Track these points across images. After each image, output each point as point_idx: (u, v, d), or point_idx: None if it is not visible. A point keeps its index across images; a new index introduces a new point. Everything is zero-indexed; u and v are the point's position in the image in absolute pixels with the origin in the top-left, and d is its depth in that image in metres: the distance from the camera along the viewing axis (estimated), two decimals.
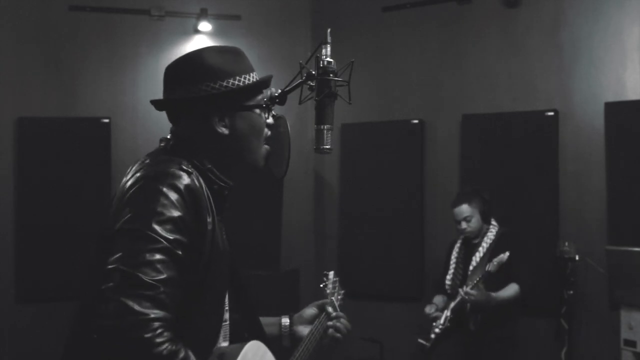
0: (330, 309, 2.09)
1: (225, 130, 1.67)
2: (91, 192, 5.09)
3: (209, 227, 1.58)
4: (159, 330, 1.37)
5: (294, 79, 1.83)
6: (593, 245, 4.50)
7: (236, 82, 1.67)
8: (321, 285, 2.25)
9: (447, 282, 4.28)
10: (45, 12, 5.29)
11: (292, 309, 2.12)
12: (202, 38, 5.45)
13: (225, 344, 1.78)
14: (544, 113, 4.81)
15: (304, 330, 2.03)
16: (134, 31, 5.41)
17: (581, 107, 4.76)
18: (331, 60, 1.78)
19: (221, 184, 1.69)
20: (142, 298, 1.38)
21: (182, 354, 1.41)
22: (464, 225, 4.21)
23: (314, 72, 1.78)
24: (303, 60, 1.81)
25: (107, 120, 5.26)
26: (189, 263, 1.51)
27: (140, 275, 1.40)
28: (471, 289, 3.94)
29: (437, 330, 4.15)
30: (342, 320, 2.08)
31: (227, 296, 1.79)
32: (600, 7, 4.72)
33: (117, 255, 1.43)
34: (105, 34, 5.38)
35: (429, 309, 4.23)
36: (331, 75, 1.78)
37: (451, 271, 4.30)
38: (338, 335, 2.06)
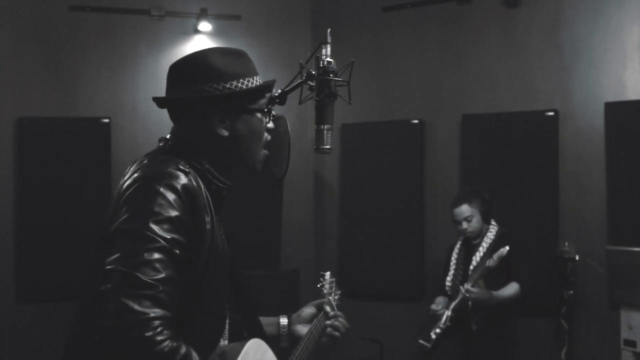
0: (328, 308, 2.10)
1: (224, 132, 1.67)
2: (91, 192, 5.09)
3: (207, 226, 1.58)
4: (159, 329, 1.38)
5: (294, 79, 1.83)
6: (593, 245, 4.50)
7: (239, 85, 1.67)
8: (318, 286, 2.26)
9: (447, 283, 4.28)
10: (45, 12, 5.29)
11: (292, 309, 2.12)
12: (202, 38, 5.45)
13: (225, 343, 1.78)
14: (544, 113, 4.81)
15: (303, 329, 2.04)
16: (134, 31, 5.41)
17: (581, 107, 4.76)
18: (331, 60, 1.78)
19: (219, 184, 1.69)
20: (142, 297, 1.38)
21: (183, 350, 1.42)
22: (464, 225, 4.21)
23: (314, 72, 1.79)
24: (303, 60, 1.81)
25: (107, 120, 5.26)
26: (187, 263, 1.51)
27: (139, 275, 1.40)
28: (472, 286, 3.94)
29: (437, 330, 4.14)
30: (340, 319, 2.09)
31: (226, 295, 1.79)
32: (600, 7, 4.72)
33: (116, 256, 1.43)
34: (105, 34, 5.38)
35: (436, 306, 4.20)
36: (331, 75, 1.78)
37: (451, 272, 4.29)
38: (336, 334, 2.06)
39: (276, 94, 1.78)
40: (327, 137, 1.79)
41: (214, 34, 5.45)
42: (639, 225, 4.42)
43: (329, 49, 1.79)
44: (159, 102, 1.74)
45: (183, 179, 1.55)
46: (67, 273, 4.89)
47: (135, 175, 1.58)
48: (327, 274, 2.30)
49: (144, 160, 1.65)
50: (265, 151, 1.76)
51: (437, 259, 4.83)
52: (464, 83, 5.16)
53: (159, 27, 5.42)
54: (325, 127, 1.79)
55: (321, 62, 1.78)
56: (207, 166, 1.67)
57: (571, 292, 4.31)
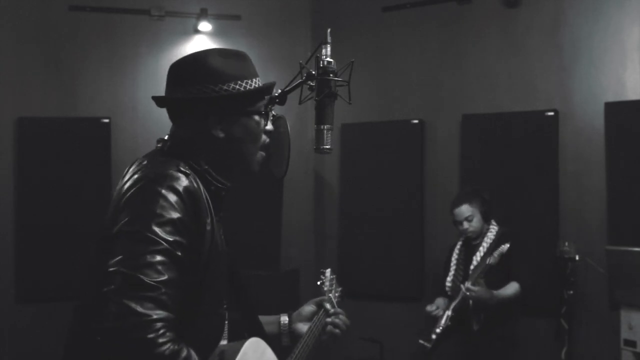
0: (328, 306, 2.10)
1: (220, 134, 1.68)
2: (91, 192, 5.09)
3: (208, 227, 1.58)
4: (161, 331, 1.38)
5: (294, 79, 1.83)
6: (593, 245, 4.50)
7: (237, 87, 1.67)
8: (318, 283, 2.26)
9: (448, 284, 4.28)
10: (45, 12, 5.29)
11: (292, 309, 2.12)
12: (202, 38, 5.45)
13: (224, 342, 1.78)
14: (544, 113, 4.81)
15: (303, 327, 2.04)
16: (134, 31, 5.41)
17: (581, 107, 4.76)
18: (331, 60, 1.78)
19: (218, 185, 1.69)
20: (144, 299, 1.38)
21: (184, 354, 1.41)
22: (465, 225, 4.21)
23: (314, 72, 1.79)
24: (303, 60, 1.81)
25: (107, 120, 5.26)
26: (188, 264, 1.51)
27: (141, 276, 1.40)
28: (472, 285, 3.94)
29: (438, 330, 4.14)
30: (340, 316, 2.09)
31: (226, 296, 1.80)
32: (600, 7, 4.72)
33: (118, 258, 1.43)
34: (105, 34, 5.38)
35: (430, 307, 4.21)
36: (331, 75, 1.78)
37: (452, 272, 4.29)
38: (337, 331, 2.07)
39: (276, 94, 1.78)
40: (327, 137, 1.79)
41: (214, 34, 5.45)
42: (639, 225, 4.42)
43: (329, 49, 1.79)
44: (158, 101, 1.74)
45: (184, 181, 1.56)
46: (67, 273, 4.89)
47: (136, 176, 1.58)
48: (328, 271, 2.30)
49: (143, 161, 1.65)
50: (262, 153, 1.76)
51: (437, 259, 4.84)
52: (464, 83, 5.16)
53: (159, 27, 5.42)
54: (325, 127, 1.79)
55: (321, 62, 1.78)
56: (206, 167, 1.67)
57: (571, 292, 4.31)
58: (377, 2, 5.45)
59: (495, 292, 3.98)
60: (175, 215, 1.49)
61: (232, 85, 1.66)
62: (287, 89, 1.81)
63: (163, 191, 1.51)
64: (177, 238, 1.48)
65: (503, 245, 3.94)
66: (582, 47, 4.77)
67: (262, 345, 1.76)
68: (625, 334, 4.04)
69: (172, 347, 1.38)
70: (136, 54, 5.41)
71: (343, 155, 5.49)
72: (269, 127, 1.77)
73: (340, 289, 2.30)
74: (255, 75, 1.72)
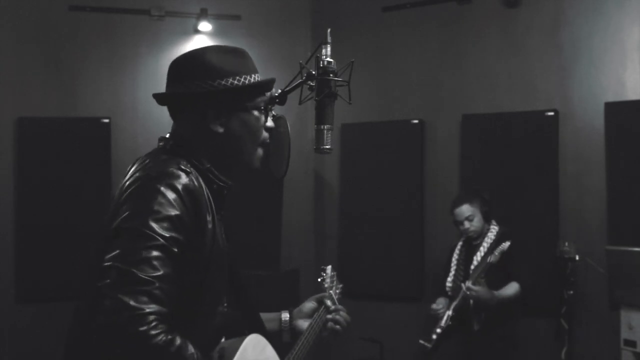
0: (329, 302, 2.10)
1: (219, 129, 1.68)
2: (91, 192, 5.09)
3: (209, 226, 1.59)
4: (153, 323, 1.38)
5: (294, 79, 1.83)
6: (593, 245, 4.50)
7: (235, 82, 1.67)
8: (319, 280, 2.27)
9: (448, 284, 4.28)
10: (45, 12, 5.29)
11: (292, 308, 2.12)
12: (202, 38, 5.45)
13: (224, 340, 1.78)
14: (544, 113, 4.81)
15: (304, 324, 2.05)
16: (134, 31, 5.41)
17: (581, 107, 4.76)
18: (331, 60, 1.79)
19: (220, 183, 1.70)
20: (138, 294, 1.39)
21: (177, 342, 1.42)
22: (466, 224, 4.21)
23: (314, 72, 1.79)
24: (303, 60, 1.81)
25: (107, 120, 5.26)
26: (189, 262, 1.52)
27: (136, 271, 1.41)
28: (473, 284, 3.94)
29: (438, 330, 4.14)
30: (341, 312, 2.09)
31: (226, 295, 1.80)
32: (600, 7, 4.72)
33: (114, 253, 1.44)
34: (105, 34, 5.38)
35: (436, 306, 4.20)
36: (331, 75, 1.78)
37: (452, 272, 4.29)
38: (337, 327, 2.07)
39: (276, 94, 1.78)
40: (327, 137, 1.79)
41: (214, 34, 5.44)
42: (639, 225, 4.42)
43: (329, 49, 1.79)
44: (158, 98, 1.75)
45: (184, 179, 1.56)
46: (67, 273, 4.89)
47: (137, 174, 1.59)
48: (329, 268, 2.30)
49: (145, 159, 1.66)
50: (261, 150, 1.76)
51: (437, 259, 4.84)
52: (464, 83, 5.16)
53: (159, 27, 5.42)
54: (325, 127, 1.79)
55: (321, 62, 1.78)
56: (208, 166, 1.67)
57: (571, 292, 4.31)
58: (377, 2, 5.45)
59: (495, 292, 3.98)
60: (173, 212, 1.50)
61: (231, 80, 1.67)
62: (287, 89, 1.81)
63: (162, 188, 1.52)
64: (174, 234, 1.49)
65: (504, 243, 3.95)
66: (582, 47, 4.77)
67: (262, 342, 1.76)
68: (625, 334, 4.04)
69: (165, 337, 1.39)
70: (136, 54, 5.40)
71: (343, 155, 5.49)
72: (269, 124, 1.76)
73: (341, 285, 2.30)
74: (255, 72, 1.72)
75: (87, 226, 4.85)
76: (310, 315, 2.07)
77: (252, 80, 1.70)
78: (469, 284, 3.96)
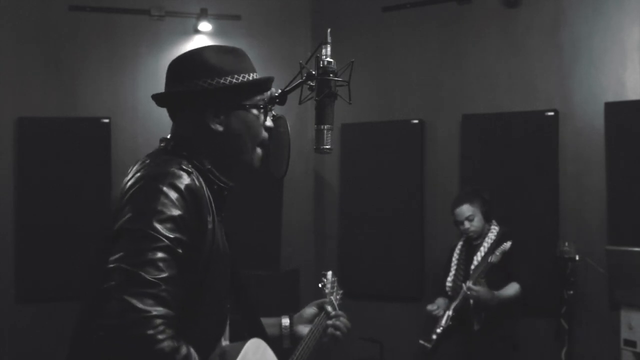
0: (329, 308, 2.10)
1: (219, 128, 1.68)
2: (91, 192, 5.09)
3: (209, 226, 1.59)
4: (161, 327, 1.38)
5: (294, 79, 1.83)
6: (593, 245, 4.50)
7: (234, 80, 1.68)
8: (320, 285, 2.27)
9: (448, 284, 4.28)
10: (45, 12, 5.29)
11: (292, 309, 2.12)
12: (202, 38, 5.45)
13: (226, 343, 1.78)
14: (544, 113, 4.81)
15: (304, 329, 2.04)
16: (134, 31, 5.41)
17: (581, 107, 4.76)
18: (331, 60, 1.78)
19: (221, 184, 1.70)
20: (144, 296, 1.39)
21: (183, 351, 1.42)
22: (467, 225, 4.21)
23: (314, 72, 1.79)
24: (303, 60, 1.81)
25: (107, 120, 5.26)
26: (189, 262, 1.52)
27: (142, 273, 1.40)
28: (473, 284, 3.94)
29: (438, 330, 4.14)
30: (341, 318, 2.09)
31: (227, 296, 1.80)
32: (600, 7, 4.72)
33: (119, 254, 1.43)
34: (105, 34, 5.38)
35: (432, 306, 4.21)
36: (331, 75, 1.78)
37: (452, 272, 4.29)
38: (338, 333, 2.07)
39: (276, 94, 1.78)
40: (327, 137, 1.79)
41: (214, 34, 5.44)
42: (639, 225, 4.42)
43: (329, 49, 1.79)
44: (157, 100, 1.75)
45: (186, 179, 1.56)
46: (67, 273, 4.89)
47: (138, 174, 1.59)
48: (329, 273, 2.30)
49: (146, 160, 1.66)
50: (260, 149, 1.76)
51: (437, 259, 4.84)
52: (464, 83, 5.16)
53: (159, 27, 5.42)
54: (325, 127, 1.78)
55: (321, 62, 1.78)
56: (209, 166, 1.68)
57: (571, 292, 4.31)
58: (377, 2, 5.45)
59: (496, 292, 3.98)
60: (176, 212, 1.50)
61: (229, 78, 1.67)
62: (287, 89, 1.81)
63: (164, 188, 1.51)
64: (178, 235, 1.48)
65: (505, 244, 3.95)
66: (582, 47, 4.77)
67: (262, 346, 1.76)
68: (625, 334, 4.04)
69: (171, 344, 1.39)
70: (136, 54, 5.41)
71: (343, 155, 5.49)
72: (269, 123, 1.77)
73: (341, 291, 2.30)
74: (253, 71, 1.73)
75: (87, 226, 4.85)
76: (310, 320, 2.07)
77: (250, 78, 1.71)
78: (469, 284, 3.96)
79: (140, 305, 1.37)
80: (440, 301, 4.29)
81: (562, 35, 4.84)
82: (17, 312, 5.11)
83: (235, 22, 5.50)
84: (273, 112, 1.80)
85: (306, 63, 1.81)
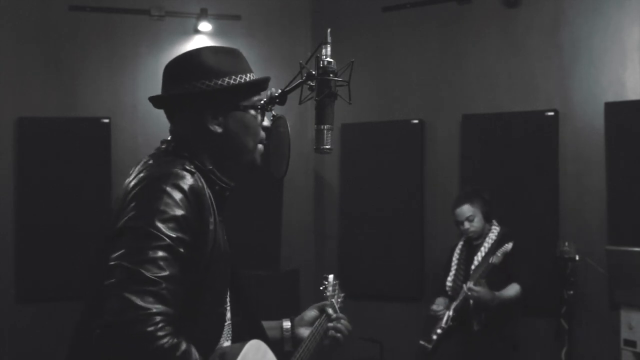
0: (330, 311, 2.10)
1: (218, 129, 1.69)
2: (91, 192, 5.09)
3: (211, 227, 1.60)
4: (160, 324, 1.39)
5: (294, 79, 1.83)
6: (593, 245, 4.50)
7: (231, 82, 1.68)
8: (321, 288, 2.27)
9: (448, 284, 4.28)
10: (45, 12, 5.29)
11: (292, 310, 2.13)
12: (202, 38, 5.45)
13: (227, 344, 1.78)
14: (544, 113, 4.81)
15: (306, 332, 2.05)
16: (134, 31, 5.41)
17: (581, 107, 4.76)
18: (331, 60, 1.78)
19: (222, 185, 1.70)
20: (145, 293, 1.39)
21: (183, 347, 1.42)
22: (467, 225, 4.21)
23: (314, 72, 1.79)
24: (303, 60, 1.81)
25: (107, 120, 5.26)
26: (190, 262, 1.52)
27: (142, 271, 1.41)
28: (474, 284, 3.94)
29: (438, 330, 4.14)
30: (342, 321, 2.09)
31: (228, 297, 1.80)
32: (600, 7, 4.72)
33: (120, 252, 1.44)
34: (105, 34, 5.38)
35: (437, 307, 4.20)
36: (331, 75, 1.78)
37: (452, 272, 4.29)
38: (339, 335, 2.07)
39: (276, 94, 1.78)
40: (327, 137, 1.79)
41: (214, 34, 5.45)
42: (639, 225, 4.42)
43: (329, 49, 1.79)
44: (155, 101, 1.76)
45: (189, 180, 1.57)
46: (67, 273, 4.89)
47: (141, 175, 1.60)
48: (331, 276, 2.30)
49: (149, 160, 1.67)
50: (261, 146, 1.77)
51: (437, 259, 4.84)
52: (464, 83, 5.16)
53: (159, 27, 5.42)
54: (325, 127, 1.79)
55: (321, 62, 1.78)
56: (211, 167, 1.69)
57: (571, 292, 4.31)
58: (377, 2, 5.45)
59: (496, 293, 3.98)
60: (179, 212, 1.50)
61: (227, 80, 1.68)
62: (287, 89, 1.81)
63: (168, 189, 1.52)
64: (180, 235, 1.49)
65: (507, 245, 3.94)
66: (582, 47, 4.77)
67: (263, 347, 1.76)
68: (625, 334, 4.04)
69: (171, 340, 1.39)
70: (136, 54, 5.40)
71: (343, 155, 5.48)
72: (266, 123, 1.78)
73: (342, 294, 2.30)
74: (250, 71, 1.74)
75: (87, 226, 4.86)
76: (311, 323, 2.07)
77: (247, 79, 1.71)
78: (470, 284, 3.96)
79: (140, 303, 1.38)
80: (440, 300, 4.29)
81: (562, 35, 4.83)
82: (17, 312, 5.11)
83: (235, 22, 5.50)
84: (273, 112, 1.81)
85: (306, 63, 1.81)
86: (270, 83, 1.79)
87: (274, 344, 1.92)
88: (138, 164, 1.68)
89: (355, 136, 5.44)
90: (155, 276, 1.41)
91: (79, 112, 5.29)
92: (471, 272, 4.14)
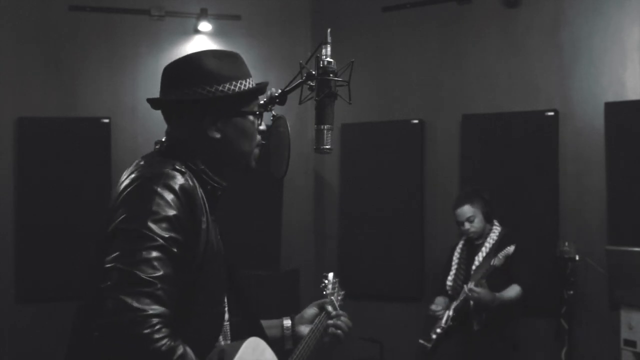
0: (330, 308, 2.10)
1: (216, 134, 1.69)
2: (91, 192, 5.09)
3: (204, 226, 1.60)
4: (157, 326, 1.39)
5: (294, 79, 1.84)
6: (593, 245, 4.50)
7: (232, 88, 1.68)
8: (321, 286, 2.27)
9: (449, 283, 4.28)
10: (45, 12, 5.29)
11: (292, 309, 2.12)
12: (202, 38, 5.45)
13: (227, 342, 1.78)
14: (544, 113, 4.81)
15: (306, 330, 2.05)
16: (134, 31, 5.41)
17: (581, 107, 4.76)
18: (331, 60, 1.79)
19: (214, 184, 1.71)
20: (141, 295, 1.39)
21: (180, 350, 1.42)
22: (467, 225, 4.21)
23: (314, 72, 1.79)
24: (303, 60, 1.82)
25: (107, 120, 5.26)
26: (183, 262, 1.52)
27: (137, 272, 1.41)
28: (475, 286, 3.94)
29: (438, 330, 4.14)
30: (342, 318, 2.10)
31: (225, 297, 1.79)
32: (600, 7, 4.72)
33: (115, 254, 1.45)
34: (105, 34, 5.38)
35: (436, 307, 4.20)
36: (331, 75, 1.78)
37: (453, 272, 4.29)
38: (339, 332, 2.07)
39: (276, 94, 1.78)
40: (327, 137, 1.79)
41: (214, 34, 5.44)
42: (639, 225, 4.42)
43: (329, 49, 1.79)
44: (153, 103, 1.76)
45: (180, 179, 1.57)
46: (67, 273, 4.89)
47: (133, 175, 1.60)
48: (330, 274, 2.30)
49: (140, 161, 1.67)
50: (257, 150, 1.77)
51: (437, 259, 4.84)
52: (464, 83, 5.16)
53: (159, 27, 5.42)
54: (325, 127, 1.79)
55: (321, 62, 1.78)
56: (202, 167, 1.69)
57: (571, 292, 4.31)
58: (377, 2, 5.45)
59: (497, 294, 3.97)
60: (171, 212, 1.51)
61: (228, 85, 1.68)
62: (287, 89, 1.82)
63: (159, 189, 1.53)
64: (173, 235, 1.49)
65: (509, 247, 3.93)
66: (582, 47, 4.77)
67: (261, 345, 1.76)
68: (625, 334, 4.04)
69: (168, 342, 1.39)
70: (136, 54, 5.40)
71: (343, 155, 5.49)
72: (262, 127, 1.78)
73: (343, 292, 2.30)
74: (249, 76, 1.73)
75: (87, 226, 4.84)
76: (311, 321, 2.07)
77: (247, 85, 1.71)
78: (471, 285, 3.95)
79: (136, 304, 1.38)
80: (440, 300, 4.29)
81: (562, 35, 4.84)
82: (17, 312, 5.11)
83: (235, 22, 5.50)
84: (273, 112, 1.81)
85: (306, 63, 1.81)
86: (270, 83, 1.80)
87: (275, 343, 1.92)
88: (132, 165, 1.69)
89: (355, 136, 5.44)
90: (150, 277, 1.42)
91: (79, 112, 5.29)
92: (472, 272, 4.14)
